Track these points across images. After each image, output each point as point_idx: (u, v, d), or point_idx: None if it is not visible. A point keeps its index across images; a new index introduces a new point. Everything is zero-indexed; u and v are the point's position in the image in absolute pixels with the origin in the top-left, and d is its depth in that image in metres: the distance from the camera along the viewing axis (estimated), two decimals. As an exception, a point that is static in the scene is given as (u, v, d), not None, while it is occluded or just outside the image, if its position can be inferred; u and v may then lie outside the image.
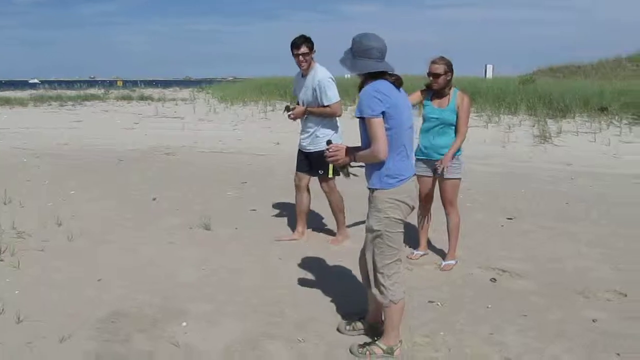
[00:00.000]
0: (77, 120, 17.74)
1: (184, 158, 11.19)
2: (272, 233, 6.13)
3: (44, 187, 8.46)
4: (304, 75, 5.64)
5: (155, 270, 5.05)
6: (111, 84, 43.67)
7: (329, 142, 4.40)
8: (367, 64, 3.41)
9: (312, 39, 5.52)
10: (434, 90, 4.99)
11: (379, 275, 3.51)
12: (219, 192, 8.18)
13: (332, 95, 5.47)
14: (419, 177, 4.39)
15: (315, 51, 5.54)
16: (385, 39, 3.45)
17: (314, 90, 5.48)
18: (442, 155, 4.95)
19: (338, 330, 3.90)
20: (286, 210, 6.95)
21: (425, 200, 5.25)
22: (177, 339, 3.74)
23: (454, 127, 4.98)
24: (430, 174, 5.10)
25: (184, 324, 3.98)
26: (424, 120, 5.08)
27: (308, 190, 5.88)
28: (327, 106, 5.48)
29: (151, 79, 52.89)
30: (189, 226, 6.35)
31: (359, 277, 3.94)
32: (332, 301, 4.38)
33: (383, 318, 3.68)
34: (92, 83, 44.15)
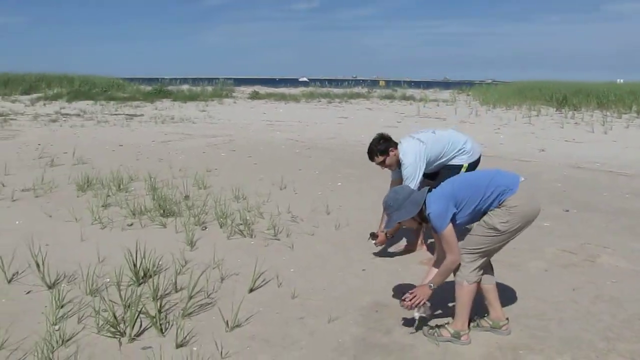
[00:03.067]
0: (343, 117, 18.81)
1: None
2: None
3: (314, 176, 9.16)
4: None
5: (417, 269, 5.16)
6: (373, 83, 45.41)
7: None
8: (409, 207, 3.70)
9: (384, 141, 5.17)
10: None
11: (464, 251, 3.65)
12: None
13: (407, 175, 5.04)
14: None
15: (390, 151, 5.15)
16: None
17: None
18: None
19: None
20: (557, 220, 6.63)
21: None
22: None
23: None
24: None
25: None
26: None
27: None
28: None
29: (409, 80, 53.90)
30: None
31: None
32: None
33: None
34: (355, 82, 46.36)
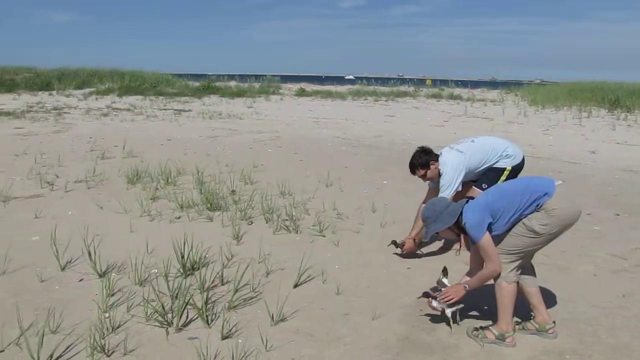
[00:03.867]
0: (390, 115, 18.74)
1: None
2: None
3: (360, 174, 9.15)
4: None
5: (461, 268, 5.10)
6: (419, 82, 45.08)
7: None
8: (446, 217, 3.73)
9: (426, 155, 5.21)
10: None
11: (501, 251, 3.63)
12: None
13: (443, 184, 5.06)
14: None
15: (431, 164, 5.16)
16: None
17: None
18: None
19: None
20: (607, 225, 6.48)
21: None
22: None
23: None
24: None
25: (491, 323, 3.98)
26: None
27: None
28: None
29: (456, 79, 53.28)
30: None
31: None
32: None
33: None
34: (401, 81, 46.08)
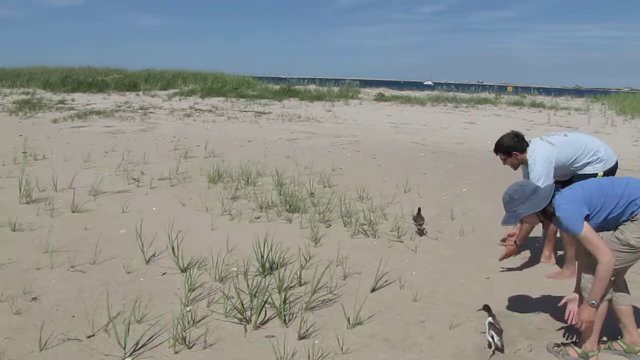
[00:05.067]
0: (469, 122, 18.42)
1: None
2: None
3: (438, 181, 9.05)
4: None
5: (543, 281, 4.97)
6: (500, 88, 44.07)
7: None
8: (537, 201, 3.51)
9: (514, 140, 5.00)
10: None
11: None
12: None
13: (533, 177, 4.77)
14: None
15: (514, 155, 4.98)
16: None
17: None
18: None
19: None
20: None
21: None
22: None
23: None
24: None
25: (575, 339, 3.84)
26: None
27: None
28: None
29: (538, 86, 51.65)
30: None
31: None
32: None
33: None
34: (481, 87, 45.16)
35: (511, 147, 5.01)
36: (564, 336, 3.88)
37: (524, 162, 5.01)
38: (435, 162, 10.80)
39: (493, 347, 3.63)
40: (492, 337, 3.60)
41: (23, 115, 17.50)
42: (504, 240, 5.17)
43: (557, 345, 3.68)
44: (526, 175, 5.06)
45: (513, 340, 3.82)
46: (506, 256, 4.93)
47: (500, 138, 5.10)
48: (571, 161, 4.91)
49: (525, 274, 5.15)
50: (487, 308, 3.83)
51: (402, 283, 4.72)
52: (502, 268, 5.22)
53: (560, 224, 3.49)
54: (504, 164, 5.20)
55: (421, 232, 6.09)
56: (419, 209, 6.10)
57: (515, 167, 5.15)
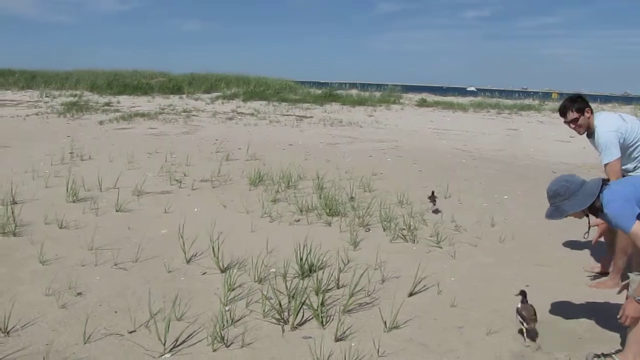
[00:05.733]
0: (512, 129, 18.20)
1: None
2: None
3: (479, 187, 8.96)
4: (589, 135, 4.90)
5: (584, 290, 4.89)
6: (545, 95, 43.35)
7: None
8: (582, 198, 3.45)
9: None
10: None
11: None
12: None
13: (603, 155, 4.65)
14: None
15: (586, 112, 4.73)
16: None
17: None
18: None
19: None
20: None
21: None
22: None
23: None
24: None
25: (613, 350, 3.77)
26: None
27: None
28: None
29: (586, 93, 50.57)
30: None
31: None
32: None
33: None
34: (525, 94, 44.48)
35: (583, 105, 4.80)
36: (604, 346, 3.81)
37: (591, 128, 4.80)
38: (477, 169, 10.70)
39: (525, 332, 3.78)
40: (521, 322, 3.78)
41: (71, 116, 17.97)
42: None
43: (597, 355, 3.60)
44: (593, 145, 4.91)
45: (552, 349, 3.78)
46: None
47: (566, 99, 4.91)
48: (635, 145, 4.71)
49: (566, 281, 5.06)
50: (522, 293, 3.93)
51: (440, 288, 4.71)
52: (539, 268, 5.17)
53: (609, 221, 3.42)
54: (572, 127, 4.88)
55: (436, 211, 7.00)
56: (433, 192, 7.21)
57: (581, 131, 4.87)
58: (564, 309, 4.38)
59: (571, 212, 3.49)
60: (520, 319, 3.81)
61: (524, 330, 3.79)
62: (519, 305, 3.85)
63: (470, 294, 4.66)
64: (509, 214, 7.26)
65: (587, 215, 3.63)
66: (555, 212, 3.57)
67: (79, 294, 4.41)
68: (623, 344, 3.57)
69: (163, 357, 3.53)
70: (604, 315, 4.25)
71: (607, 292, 4.70)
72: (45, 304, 4.22)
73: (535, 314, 3.81)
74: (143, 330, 3.85)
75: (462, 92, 47.14)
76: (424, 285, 4.75)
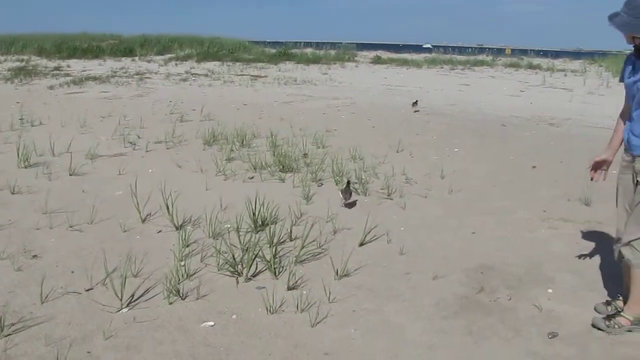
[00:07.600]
0: (465, 84, 18.44)
1: (568, 130, 10.77)
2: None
3: (431, 141, 9.16)
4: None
5: (526, 236, 5.13)
6: (499, 51, 43.79)
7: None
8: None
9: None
10: None
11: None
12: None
13: None
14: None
15: None
16: None
17: None
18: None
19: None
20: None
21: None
22: (540, 303, 3.79)
23: None
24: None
25: (550, 290, 4.01)
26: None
27: None
28: None
29: (538, 49, 51.14)
30: (567, 198, 6.15)
31: None
32: None
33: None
34: (480, 50, 44.84)
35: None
36: (542, 287, 4.03)
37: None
38: (429, 123, 10.89)
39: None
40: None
41: (19, 82, 17.49)
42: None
43: (607, 319, 3.51)
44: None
45: (494, 289, 3.99)
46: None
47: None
48: None
49: (510, 228, 5.27)
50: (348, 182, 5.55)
51: (389, 238, 4.90)
52: (483, 216, 5.40)
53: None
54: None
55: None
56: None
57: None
58: (505, 254, 4.61)
59: (627, 31, 3.28)
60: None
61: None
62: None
63: (418, 243, 4.85)
64: (459, 166, 7.47)
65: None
66: (619, 20, 3.28)
67: (35, 256, 4.44)
68: (560, 284, 3.76)
69: (120, 312, 3.62)
70: (542, 259, 4.50)
71: (544, 238, 4.95)
72: (0, 268, 4.23)
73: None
74: (100, 287, 3.93)
75: (417, 49, 47.20)
76: (374, 235, 4.92)
